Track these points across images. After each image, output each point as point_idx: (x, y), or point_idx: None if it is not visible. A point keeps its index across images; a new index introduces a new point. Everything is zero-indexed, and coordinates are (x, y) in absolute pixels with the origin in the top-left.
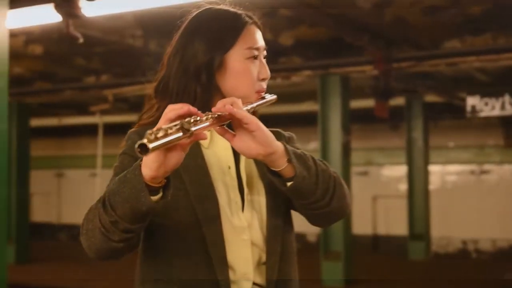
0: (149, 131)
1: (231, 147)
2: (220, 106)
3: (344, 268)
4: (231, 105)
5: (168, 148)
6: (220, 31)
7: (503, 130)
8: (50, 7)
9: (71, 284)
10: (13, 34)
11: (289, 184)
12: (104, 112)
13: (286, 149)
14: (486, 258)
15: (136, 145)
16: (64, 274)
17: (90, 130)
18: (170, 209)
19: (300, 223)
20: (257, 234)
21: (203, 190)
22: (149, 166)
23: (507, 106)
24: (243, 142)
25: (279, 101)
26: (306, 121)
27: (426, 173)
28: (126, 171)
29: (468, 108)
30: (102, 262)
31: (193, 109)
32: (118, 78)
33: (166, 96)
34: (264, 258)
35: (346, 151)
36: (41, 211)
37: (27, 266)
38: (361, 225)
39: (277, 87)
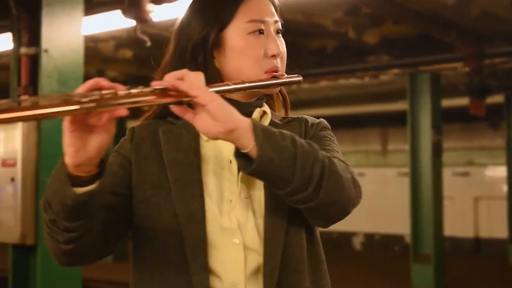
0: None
1: None
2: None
3: (434, 272)
4: (182, 78)
5: (86, 129)
6: (217, 5)
7: None
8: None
9: None
10: (103, 40)
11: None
12: None
13: (253, 125)
14: None
15: None
16: None
17: None
18: (152, 211)
19: (397, 224)
20: (253, 236)
21: (188, 188)
22: (66, 151)
23: None
24: (203, 121)
25: (367, 100)
26: (396, 120)
27: None
28: None
29: None
30: None
31: (106, 82)
32: None
33: None
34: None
35: (437, 151)
36: None
37: (125, 264)
38: (461, 228)
39: (365, 86)
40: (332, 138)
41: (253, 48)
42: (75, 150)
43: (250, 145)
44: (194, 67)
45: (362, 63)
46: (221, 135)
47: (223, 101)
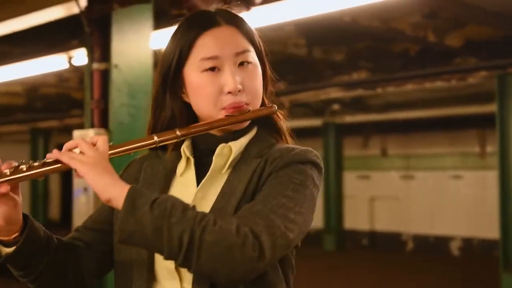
0: None
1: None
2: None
3: None
4: (75, 147)
5: None
6: (179, 40)
7: None
8: None
9: None
10: None
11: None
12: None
13: (126, 197)
14: None
15: None
16: None
17: None
18: (120, 245)
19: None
20: (190, 277)
21: None
22: None
23: None
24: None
25: (462, 101)
26: (483, 123)
27: None
28: None
29: None
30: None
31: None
32: (293, 85)
33: (153, 116)
34: None
35: None
36: None
37: None
38: None
39: (452, 89)
40: (293, 176)
41: (206, 87)
42: None
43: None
44: (170, 102)
45: (446, 66)
46: (104, 201)
47: (101, 171)
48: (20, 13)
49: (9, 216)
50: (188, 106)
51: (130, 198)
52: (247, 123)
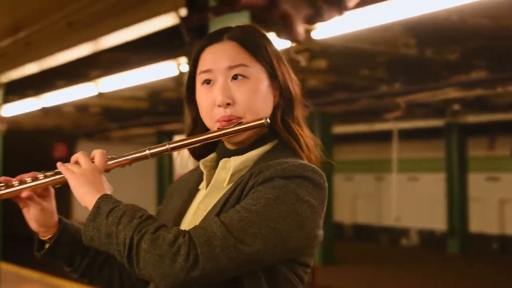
0: None
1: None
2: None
3: None
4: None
5: (24, 208)
6: (192, 56)
7: None
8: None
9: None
10: None
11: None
12: (397, 119)
13: (95, 204)
14: None
15: None
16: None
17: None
18: None
19: None
20: None
21: None
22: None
23: None
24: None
25: None
26: None
27: None
28: None
29: None
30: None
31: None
32: (408, 85)
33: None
34: None
35: None
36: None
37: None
38: None
39: None
40: (268, 192)
41: (202, 99)
42: (27, 219)
43: None
44: (187, 109)
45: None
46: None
47: (84, 181)
48: (135, 21)
49: (38, 219)
50: None
51: (96, 206)
52: (242, 136)
